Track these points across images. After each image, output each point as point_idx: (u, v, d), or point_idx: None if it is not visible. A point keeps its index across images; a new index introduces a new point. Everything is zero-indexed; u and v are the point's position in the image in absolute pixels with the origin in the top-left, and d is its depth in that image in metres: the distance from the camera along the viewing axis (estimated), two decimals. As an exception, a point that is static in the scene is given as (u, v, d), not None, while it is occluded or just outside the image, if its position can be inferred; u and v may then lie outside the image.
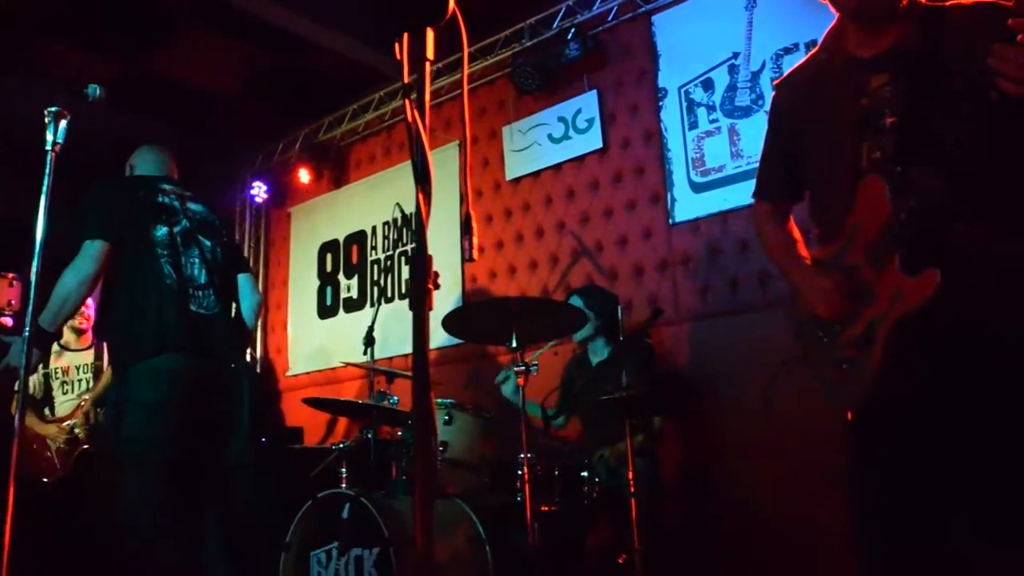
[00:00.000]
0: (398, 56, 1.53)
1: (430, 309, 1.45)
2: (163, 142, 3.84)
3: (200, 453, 3.27)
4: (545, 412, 3.67)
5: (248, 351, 7.30)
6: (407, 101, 1.49)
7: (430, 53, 1.55)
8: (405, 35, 1.56)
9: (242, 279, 3.75)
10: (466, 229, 1.54)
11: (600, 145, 5.26)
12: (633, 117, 5.17)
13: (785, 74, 2.26)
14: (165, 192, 3.54)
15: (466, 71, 1.66)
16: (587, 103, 5.36)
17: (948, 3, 1.91)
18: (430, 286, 1.44)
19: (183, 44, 5.91)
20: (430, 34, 1.56)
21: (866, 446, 1.98)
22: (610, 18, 5.32)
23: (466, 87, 1.67)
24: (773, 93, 2.28)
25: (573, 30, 5.34)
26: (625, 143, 5.19)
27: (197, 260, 3.47)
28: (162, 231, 3.40)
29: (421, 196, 1.45)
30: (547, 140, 5.55)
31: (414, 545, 1.43)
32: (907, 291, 1.79)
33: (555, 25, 5.48)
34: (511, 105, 5.82)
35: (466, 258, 1.54)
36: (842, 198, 1.96)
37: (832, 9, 1.99)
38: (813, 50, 2.17)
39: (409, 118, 1.49)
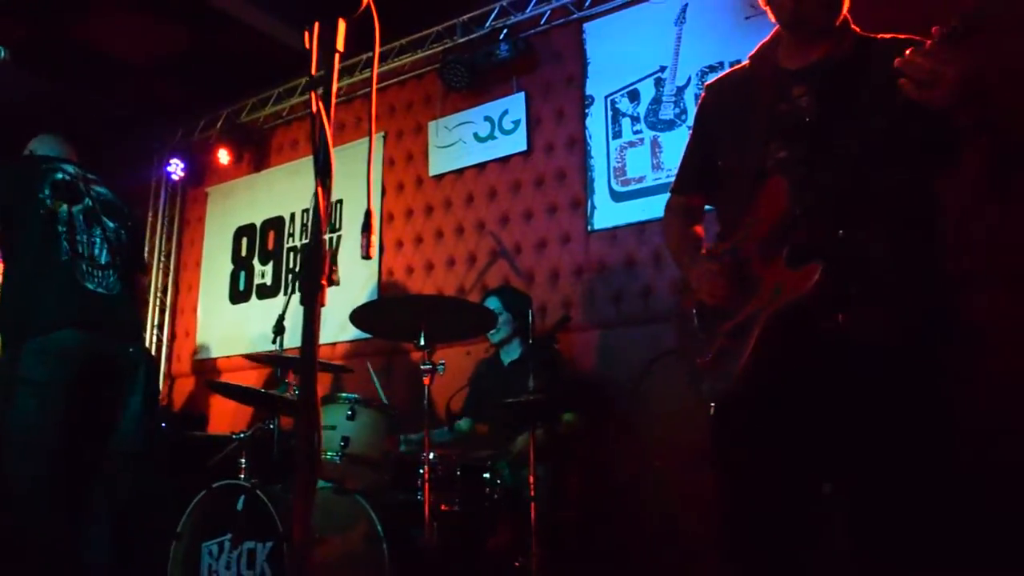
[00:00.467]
0: (307, 46, 1.50)
1: (322, 305, 1.42)
2: (63, 131, 3.75)
3: (89, 437, 3.18)
4: (449, 414, 3.65)
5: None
6: (313, 93, 1.46)
7: (340, 44, 1.52)
8: (316, 24, 1.52)
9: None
10: (365, 226, 1.51)
11: (525, 147, 5.28)
12: (559, 122, 5.20)
13: (716, 77, 2.35)
14: (66, 172, 3.45)
15: (375, 68, 1.63)
16: (514, 105, 5.36)
17: (878, 36, 2.02)
18: (323, 281, 1.42)
19: (102, 11, 5.70)
20: (342, 25, 1.53)
21: (729, 436, 2.04)
22: (543, 22, 5.34)
23: (375, 84, 1.64)
24: (702, 94, 2.35)
25: (505, 31, 5.34)
26: (549, 147, 5.21)
27: (99, 240, 3.38)
28: (62, 208, 3.30)
29: (320, 190, 1.42)
30: (472, 139, 5.54)
31: (303, 540, 1.40)
32: (788, 284, 1.84)
33: (488, 24, 5.47)
34: (439, 101, 5.78)
35: (363, 255, 1.51)
36: (745, 195, 2.02)
37: (770, 16, 2.07)
38: (745, 60, 2.24)
39: (313, 110, 1.46)
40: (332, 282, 1.45)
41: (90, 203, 3.42)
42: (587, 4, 5.17)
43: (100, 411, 3.24)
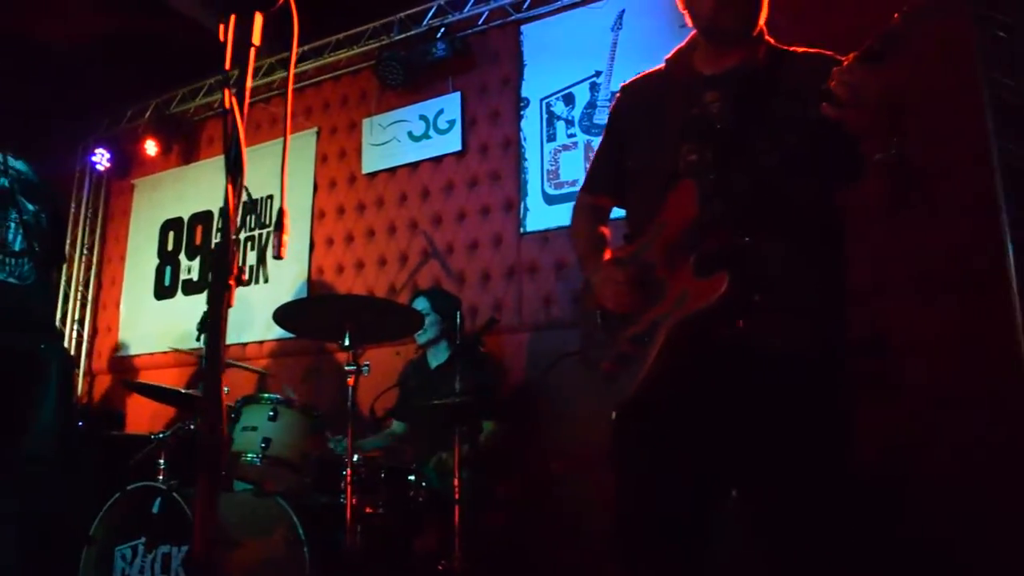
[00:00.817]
0: (221, 39, 1.45)
1: (230, 306, 1.38)
2: None
3: None
4: (373, 416, 3.60)
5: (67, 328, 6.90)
6: (226, 90, 1.42)
7: (256, 39, 1.48)
8: (232, 17, 1.48)
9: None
10: (277, 226, 1.47)
11: (459, 148, 5.25)
12: (494, 123, 5.19)
13: (631, 79, 2.33)
14: None
15: (292, 67, 1.59)
16: (450, 104, 5.33)
17: (792, 48, 2.06)
18: (231, 282, 1.37)
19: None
20: (258, 19, 1.48)
21: (630, 441, 2.04)
22: (480, 22, 5.32)
23: (291, 84, 1.61)
24: (618, 94, 2.34)
25: (443, 30, 5.30)
26: (484, 148, 5.19)
27: (13, 224, 3.17)
28: None
29: (231, 188, 1.38)
30: (407, 137, 5.49)
31: (221, 544, 1.36)
32: (694, 293, 1.85)
33: (425, 23, 5.44)
34: (374, 98, 5.72)
35: (274, 255, 1.47)
36: (654, 197, 2.02)
37: (688, 21, 2.08)
38: (662, 64, 2.24)
39: (227, 106, 1.42)
40: (241, 283, 1.40)
41: (5, 183, 3.20)
42: (525, 6, 5.17)
43: (9, 410, 3.06)
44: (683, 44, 2.17)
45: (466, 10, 5.32)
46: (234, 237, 1.39)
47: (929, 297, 3.78)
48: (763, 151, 1.82)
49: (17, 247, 3.15)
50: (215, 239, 6.43)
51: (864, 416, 3.29)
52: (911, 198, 1.93)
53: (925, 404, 3.57)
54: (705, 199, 1.89)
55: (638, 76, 2.31)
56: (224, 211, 1.39)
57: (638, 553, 1.98)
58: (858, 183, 1.88)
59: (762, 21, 2.02)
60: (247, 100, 1.46)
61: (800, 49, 2.04)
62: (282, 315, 3.36)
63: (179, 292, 6.55)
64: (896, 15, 1.62)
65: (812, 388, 1.83)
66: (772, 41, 2.07)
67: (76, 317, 7.05)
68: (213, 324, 1.36)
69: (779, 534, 1.83)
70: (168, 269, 6.68)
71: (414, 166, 5.46)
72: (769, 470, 1.84)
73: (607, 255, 2.18)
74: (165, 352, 6.17)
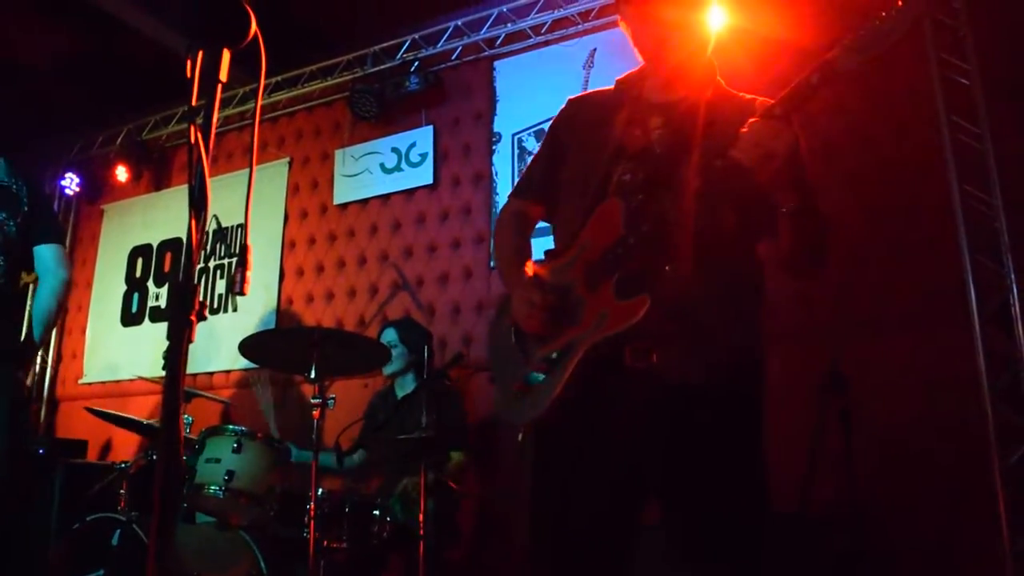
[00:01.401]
0: (188, 74, 1.46)
1: (191, 341, 1.38)
2: None
3: None
4: (339, 451, 3.58)
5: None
6: (192, 125, 1.42)
7: (223, 75, 1.48)
8: (200, 53, 1.49)
9: (46, 251, 3.21)
10: (240, 262, 1.47)
11: (431, 181, 5.28)
12: (466, 157, 5.23)
13: (580, 94, 2.30)
14: None
15: (260, 100, 1.60)
16: (422, 137, 5.37)
17: (740, 92, 2.08)
18: (192, 317, 1.37)
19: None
20: (226, 55, 1.49)
21: (538, 463, 2.01)
22: (453, 57, 5.38)
23: (258, 118, 1.61)
24: (564, 105, 2.29)
25: (416, 63, 5.35)
26: (456, 182, 5.23)
27: None
28: None
29: (194, 223, 1.38)
30: (379, 169, 5.51)
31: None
32: (613, 314, 1.82)
33: (399, 56, 5.49)
34: (346, 129, 5.75)
35: (235, 291, 1.47)
36: (581, 214, 2.00)
37: (638, 53, 2.08)
38: (612, 85, 2.23)
39: (192, 141, 1.42)
40: (202, 317, 1.40)
41: None
42: (498, 42, 5.23)
43: None
44: (636, 70, 2.17)
45: (440, 45, 5.38)
46: (197, 270, 1.39)
47: (890, 334, 3.85)
48: (694, 181, 1.81)
49: None
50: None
51: (826, 452, 3.35)
52: (811, 257, 1.93)
53: (886, 440, 3.62)
54: (630, 221, 1.87)
55: (587, 92, 2.31)
56: (187, 246, 1.39)
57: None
58: (773, 236, 1.88)
59: (706, 58, 2.05)
60: (212, 136, 1.46)
61: (746, 94, 2.07)
62: (248, 346, 3.34)
63: (146, 319, 6.49)
64: (801, 78, 1.66)
65: (723, 423, 1.82)
66: (722, 83, 2.09)
67: (56, 322, 6.94)
68: (172, 360, 1.35)
69: (695, 562, 1.83)
70: (136, 296, 6.63)
71: (386, 198, 5.48)
72: (680, 499, 1.84)
73: (528, 271, 2.13)
74: (131, 380, 6.10)
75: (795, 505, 3.40)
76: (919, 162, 3.95)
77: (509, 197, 2.37)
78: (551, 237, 2.22)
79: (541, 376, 1.93)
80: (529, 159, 4.89)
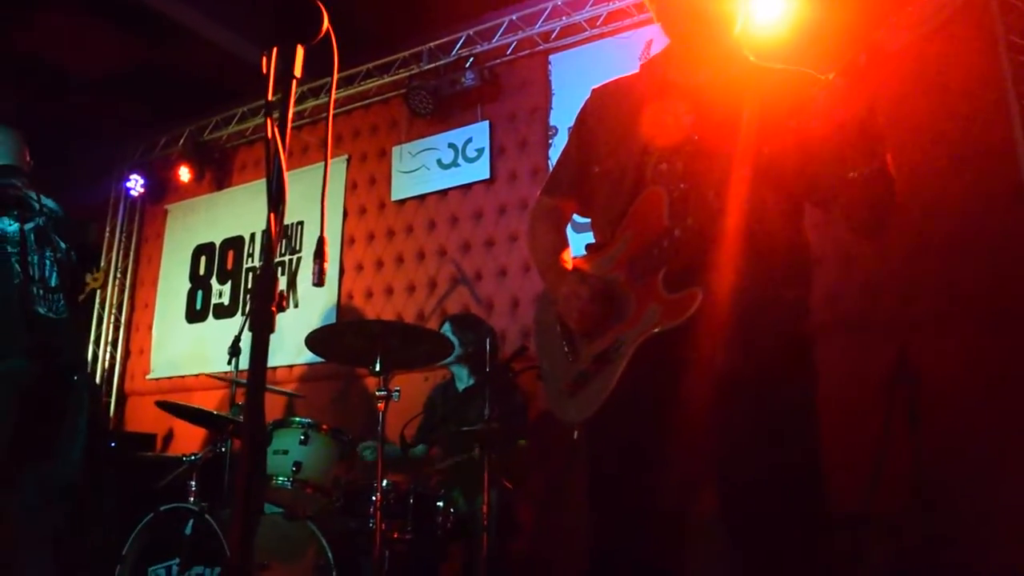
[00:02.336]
0: (264, 70, 1.49)
1: (272, 331, 1.41)
2: (12, 124, 3.58)
3: (25, 465, 3.05)
4: (403, 443, 3.62)
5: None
6: (268, 119, 1.45)
7: (297, 71, 1.52)
8: (275, 49, 1.52)
9: None
10: (317, 253, 1.50)
11: (487, 176, 5.30)
12: (522, 152, 5.24)
13: (605, 82, 2.23)
14: (17, 186, 3.33)
15: (332, 97, 1.63)
16: (478, 133, 5.39)
17: (770, 66, 2.02)
18: (273, 308, 1.41)
19: (61, 23, 5.63)
20: (300, 51, 1.53)
21: (595, 460, 1.99)
22: (509, 52, 5.39)
23: (331, 113, 1.64)
24: (588, 96, 2.23)
25: (472, 59, 5.38)
26: (512, 176, 5.24)
27: (49, 261, 3.26)
28: (13, 227, 3.18)
29: (273, 217, 1.41)
30: (436, 165, 5.55)
31: (252, 567, 1.37)
32: (665, 309, 1.79)
33: (454, 52, 5.52)
34: (403, 126, 5.80)
35: (314, 282, 1.50)
36: (621, 205, 1.96)
37: (663, 30, 2.03)
38: (637, 69, 2.18)
39: (268, 136, 1.45)
40: (282, 308, 1.43)
41: (42, 222, 3.30)
42: (553, 36, 5.23)
43: (38, 438, 3.12)
44: (660, 52, 2.12)
45: (495, 40, 5.40)
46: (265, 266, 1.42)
47: (959, 325, 3.76)
48: (735, 167, 1.76)
49: (53, 283, 3.24)
50: (246, 264, 6.52)
51: (894, 447, 3.30)
52: (877, 218, 1.84)
53: (955, 435, 3.54)
54: (675, 212, 1.83)
55: (611, 80, 2.22)
56: (266, 238, 1.42)
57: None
58: (829, 206, 1.83)
59: (735, 33, 1.97)
60: (288, 130, 1.49)
61: (778, 66, 2.01)
62: (314, 340, 3.39)
63: (210, 316, 6.63)
64: (848, 58, 1.60)
65: (777, 411, 1.79)
66: (751, 58, 2.03)
67: (109, 339, 7.15)
68: (256, 352, 1.39)
69: (752, 554, 1.80)
70: (200, 293, 6.78)
71: (443, 194, 5.52)
72: (735, 491, 1.80)
73: (570, 266, 2.09)
74: (196, 375, 6.25)
75: (862, 502, 3.35)
76: (988, 148, 3.85)
77: (540, 195, 2.31)
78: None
79: (591, 374, 1.91)
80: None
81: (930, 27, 1.54)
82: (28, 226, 3.23)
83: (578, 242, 2.23)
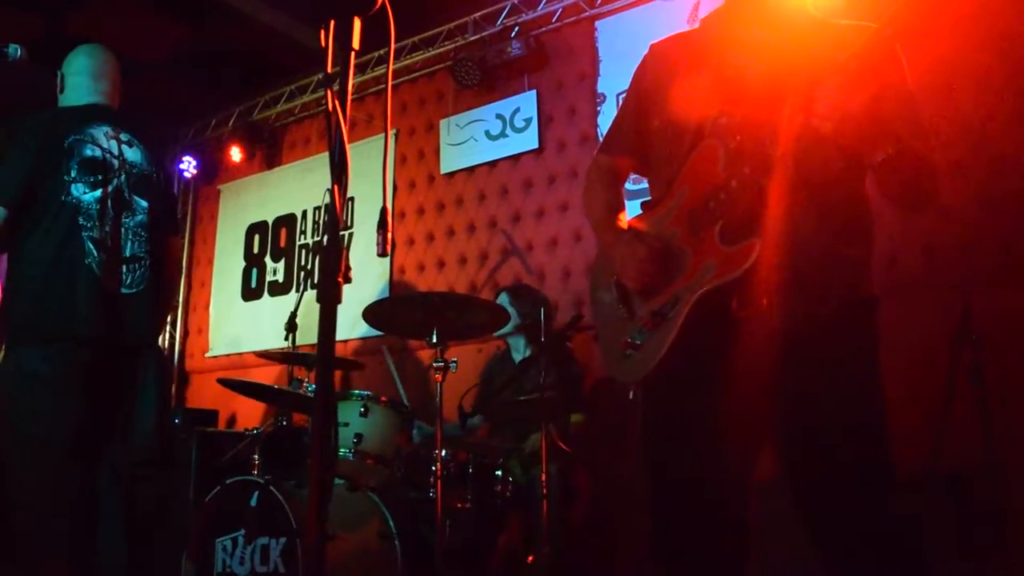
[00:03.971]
0: (322, 44, 1.50)
1: (339, 303, 1.43)
2: (104, 46, 3.36)
3: (101, 443, 2.98)
4: (462, 412, 3.65)
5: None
6: (328, 91, 1.46)
7: (356, 43, 1.52)
8: (332, 22, 1.53)
9: (174, 243, 3.43)
10: (381, 224, 1.51)
11: (536, 145, 5.28)
12: (571, 120, 5.20)
13: (662, 39, 2.19)
14: (97, 141, 3.04)
15: (391, 66, 1.63)
16: (526, 103, 5.36)
17: (833, 21, 1.98)
18: (340, 279, 1.42)
19: (112, 7, 5.71)
20: (357, 23, 1.53)
21: (655, 419, 1.97)
22: (554, 20, 5.34)
23: (390, 81, 1.64)
24: (647, 52, 2.19)
25: (516, 29, 5.35)
26: (561, 145, 5.21)
27: (130, 226, 3.05)
28: (89, 196, 2.95)
29: (336, 190, 1.43)
30: (484, 136, 5.54)
31: (315, 536, 1.40)
32: (722, 263, 1.75)
33: (499, 22, 5.48)
34: (450, 99, 5.79)
35: (379, 252, 1.51)
36: (677, 161, 1.94)
37: None
38: (697, 24, 2.16)
39: (329, 108, 1.46)
40: (347, 279, 1.45)
41: (120, 182, 3.06)
42: (599, 2, 5.17)
43: (112, 416, 3.01)
44: (719, 8, 2.06)
45: (540, 8, 5.35)
46: (317, 243, 1.43)
47: (1021, 286, 3.66)
48: (794, 119, 1.69)
49: (128, 252, 3.05)
50: (299, 241, 6.59)
51: (958, 408, 3.24)
52: (921, 198, 1.81)
53: (1020, 392, 3.46)
54: (731, 164, 1.79)
55: (671, 36, 2.19)
56: (330, 210, 1.44)
57: (679, 552, 1.89)
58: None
59: None
60: (349, 102, 1.50)
61: (844, 20, 1.95)
62: (372, 314, 3.43)
63: (265, 293, 6.74)
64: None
65: (838, 367, 1.76)
66: (812, 11, 1.97)
67: (169, 319, 7.30)
68: (324, 322, 1.41)
69: (821, 515, 1.78)
70: (254, 271, 6.88)
71: (492, 165, 5.51)
72: (798, 450, 1.78)
73: (627, 224, 2.06)
74: (254, 351, 6.36)
75: (927, 463, 3.30)
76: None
77: (597, 154, 2.30)
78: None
79: (648, 332, 1.89)
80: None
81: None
82: (110, 189, 3.01)
83: (632, 209, 2.21)
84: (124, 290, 3.01)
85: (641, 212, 2.08)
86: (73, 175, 2.93)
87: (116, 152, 3.08)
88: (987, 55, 3.80)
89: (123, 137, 3.15)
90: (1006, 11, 3.68)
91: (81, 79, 3.20)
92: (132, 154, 3.16)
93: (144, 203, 3.14)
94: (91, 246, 2.92)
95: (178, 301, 7.32)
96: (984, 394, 3.25)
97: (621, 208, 2.16)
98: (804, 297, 1.77)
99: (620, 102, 4.90)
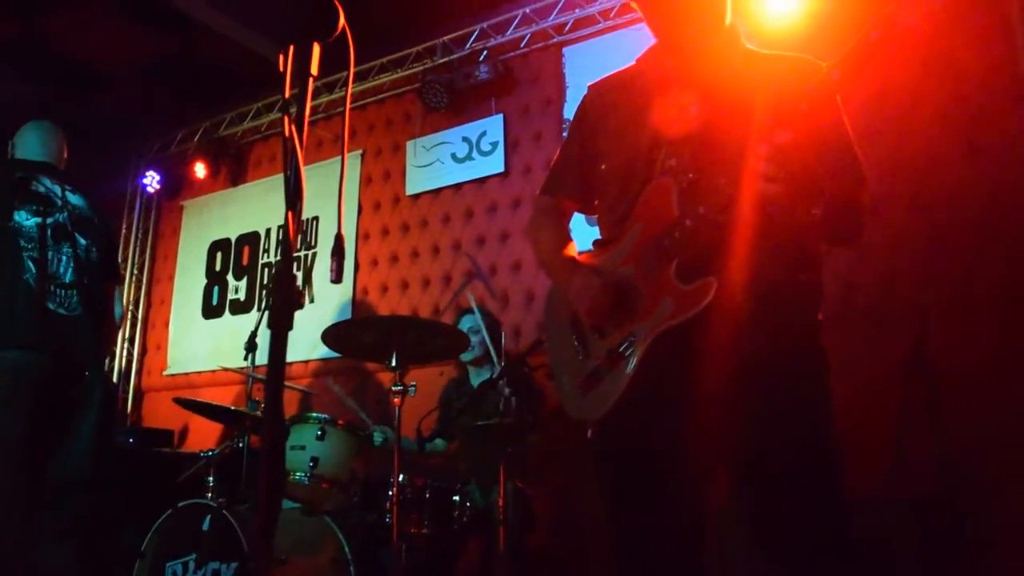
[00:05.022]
0: (281, 68, 1.49)
1: (289, 330, 1.42)
2: (52, 120, 3.59)
3: (38, 461, 3.02)
4: (420, 437, 3.62)
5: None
6: (285, 117, 1.45)
7: (314, 69, 1.52)
8: (291, 47, 1.52)
9: (114, 290, 3.59)
10: (335, 250, 1.50)
11: (502, 169, 5.30)
12: (537, 145, 5.22)
13: (601, 78, 2.20)
14: (43, 182, 3.31)
15: (350, 90, 1.63)
16: (492, 126, 5.38)
17: (766, 52, 2.02)
18: (291, 307, 1.41)
19: (80, 18, 5.66)
20: (316, 49, 1.52)
21: (613, 458, 1.96)
22: (523, 45, 5.38)
23: (348, 106, 1.64)
24: (586, 93, 2.21)
25: (485, 53, 5.38)
26: (527, 169, 5.23)
27: (66, 257, 3.25)
28: (31, 222, 3.17)
29: (291, 216, 1.41)
30: (450, 159, 5.55)
31: (272, 562, 1.38)
32: (679, 301, 1.76)
33: (467, 46, 5.51)
34: (417, 120, 5.80)
35: (332, 280, 1.50)
36: (628, 199, 1.94)
37: (651, 31, 2.01)
38: (634, 61, 2.15)
39: (286, 133, 1.45)
40: (299, 306, 1.43)
41: (63, 218, 3.28)
42: (567, 29, 5.21)
43: (51, 435, 3.09)
44: (654, 46, 2.08)
45: (508, 33, 5.38)
46: (281, 262, 1.42)
47: (978, 315, 3.73)
48: (747, 157, 1.71)
49: (67, 279, 3.22)
50: (262, 259, 6.53)
51: (913, 435, 3.28)
52: (845, 239, 1.90)
53: (975, 424, 3.51)
54: (685, 201, 1.81)
55: (608, 75, 2.19)
56: (284, 239, 1.43)
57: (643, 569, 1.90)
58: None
59: (724, 26, 1.94)
60: (306, 127, 1.49)
61: (776, 53, 1.99)
62: (330, 336, 3.40)
63: (226, 311, 6.66)
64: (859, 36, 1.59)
65: (794, 398, 1.77)
66: (746, 44, 2.00)
67: (126, 336, 7.19)
68: (274, 350, 1.39)
69: (777, 542, 1.78)
70: (216, 289, 6.80)
71: (457, 187, 5.52)
72: (763, 480, 1.77)
73: (579, 261, 2.07)
74: (213, 371, 6.28)
75: (882, 490, 3.34)
76: (1003, 135, 3.81)
77: (539, 195, 2.29)
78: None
79: (604, 371, 1.89)
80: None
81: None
82: (49, 221, 3.22)
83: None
84: (61, 311, 3.16)
85: (592, 250, 2.07)
86: (17, 204, 3.19)
87: (59, 194, 3.34)
88: (936, 88, 3.89)
89: (67, 187, 3.40)
90: (954, 47, 3.77)
91: (31, 146, 3.47)
92: (75, 199, 3.40)
93: (84, 241, 3.34)
94: (30, 264, 3.12)
95: (137, 318, 7.22)
96: (938, 420, 3.31)
97: (570, 244, 2.16)
98: (761, 329, 1.78)
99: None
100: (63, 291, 3.19)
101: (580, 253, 2.13)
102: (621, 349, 1.86)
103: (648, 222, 1.89)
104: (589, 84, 2.20)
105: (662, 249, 1.83)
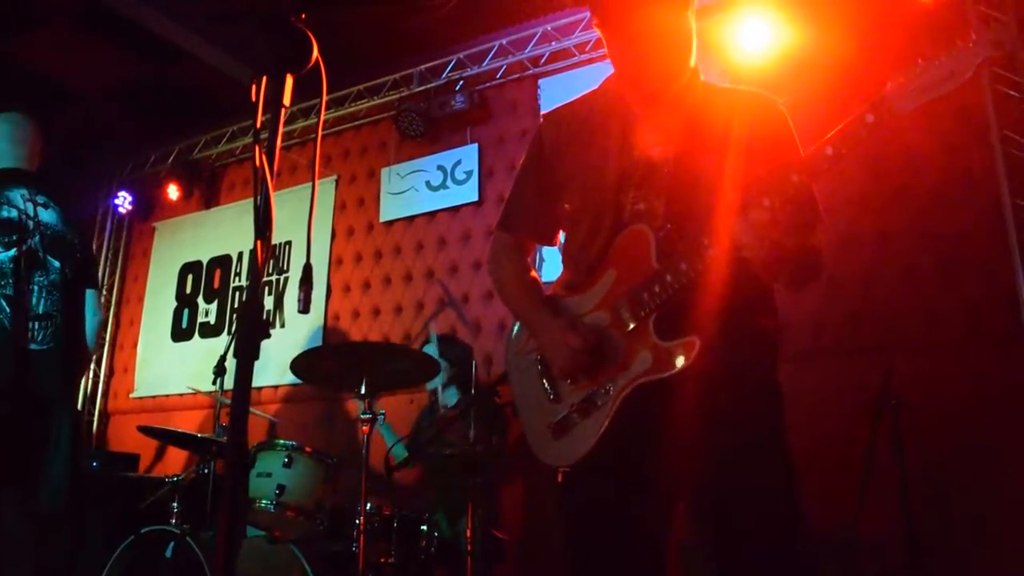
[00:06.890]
0: (252, 98, 1.50)
1: (255, 359, 1.41)
2: (24, 111, 3.45)
3: (6, 491, 2.99)
4: (387, 467, 3.59)
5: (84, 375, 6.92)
6: (256, 146, 1.46)
7: (286, 100, 1.52)
8: (264, 78, 1.53)
9: (88, 295, 3.46)
10: (303, 280, 1.50)
11: (476, 198, 5.32)
12: (511, 175, 5.18)
13: (556, 107, 2.14)
14: (14, 203, 3.19)
15: (322, 119, 1.64)
16: (467, 155, 5.41)
17: (724, 87, 2.04)
18: (258, 336, 1.40)
19: (55, 37, 5.64)
20: (289, 80, 1.53)
21: (584, 504, 1.94)
22: (498, 76, 5.42)
23: (320, 133, 1.64)
24: (540, 123, 2.14)
25: (461, 82, 5.42)
26: (501, 199, 5.23)
27: (43, 285, 3.16)
28: (4, 255, 3.08)
29: (260, 246, 1.41)
30: (424, 187, 5.57)
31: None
32: (659, 357, 1.77)
33: (444, 75, 5.55)
34: (392, 148, 5.82)
35: (300, 309, 1.50)
36: (599, 243, 1.92)
37: (613, 66, 1.99)
38: (591, 90, 2.10)
39: (257, 163, 1.46)
40: (266, 336, 1.43)
41: (35, 243, 3.18)
42: (543, 61, 5.26)
43: (23, 469, 3.04)
44: (613, 77, 2.03)
45: (485, 64, 5.43)
46: (251, 288, 1.41)
47: (943, 352, 3.79)
48: (718, 199, 1.73)
49: (41, 310, 3.14)
50: (233, 283, 6.49)
51: (878, 474, 3.31)
52: (803, 284, 1.90)
53: (940, 462, 3.55)
54: (664, 253, 1.80)
55: (564, 105, 2.12)
56: (252, 268, 1.42)
57: None
58: None
59: (688, 67, 1.92)
60: (277, 157, 1.50)
61: (727, 87, 2.01)
62: (299, 365, 3.37)
63: (196, 335, 6.60)
64: (854, 115, 1.62)
65: (769, 449, 1.80)
66: (704, 80, 1.99)
67: (93, 358, 7.09)
68: (240, 380, 1.39)
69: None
70: (186, 311, 6.75)
71: (431, 215, 5.53)
72: (734, 529, 1.78)
73: (550, 307, 2.01)
74: (181, 394, 6.21)
75: (846, 528, 3.36)
76: (970, 178, 3.89)
77: (498, 231, 2.21)
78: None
79: (576, 419, 1.89)
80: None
81: (939, 94, 1.57)
82: (23, 248, 3.14)
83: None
84: (34, 346, 3.10)
85: (562, 292, 2.04)
86: None
87: (32, 214, 3.23)
88: (909, 130, 3.96)
89: (39, 200, 3.29)
90: (912, 128, 3.83)
91: (1, 144, 3.35)
92: (47, 215, 3.29)
93: (57, 263, 3.26)
94: (3, 303, 3.03)
95: (105, 340, 7.13)
96: (903, 457, 3.33)
97: (536, 284, 2.12)
98: (730, 379, 1.79)
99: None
100: (37, 323, 3.12)
101: (545, 285, 2.12)
102: (595, 398, 1.85)
103: (624, 270, 1.87)
104: (543, 113, 2.18)
105: (640, 301, 1.82)
